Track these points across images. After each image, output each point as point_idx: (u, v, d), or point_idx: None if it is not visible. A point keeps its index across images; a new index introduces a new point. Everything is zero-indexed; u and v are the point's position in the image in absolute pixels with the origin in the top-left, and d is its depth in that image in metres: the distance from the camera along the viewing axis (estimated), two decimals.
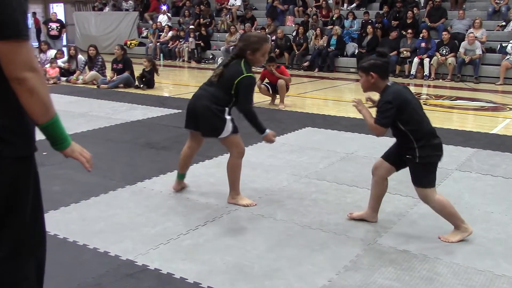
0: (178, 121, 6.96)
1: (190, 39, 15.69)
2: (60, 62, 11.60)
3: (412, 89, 11.01)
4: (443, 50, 12.01)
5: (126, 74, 10.28)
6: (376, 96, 3.38)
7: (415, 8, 13.59)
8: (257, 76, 8.59)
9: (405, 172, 4.79)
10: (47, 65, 11.34)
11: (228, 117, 3.72)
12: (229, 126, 3.71)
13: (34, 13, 24.12)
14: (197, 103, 3.74)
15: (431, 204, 3.33)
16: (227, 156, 5.24)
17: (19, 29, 1.61)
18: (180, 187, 4.20)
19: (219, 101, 3.67)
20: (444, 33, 12.16)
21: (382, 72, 3.24)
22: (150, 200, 4.03)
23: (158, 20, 17.41)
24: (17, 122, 1.71)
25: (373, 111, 3.32)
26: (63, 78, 11.13)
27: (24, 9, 1.64)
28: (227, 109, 3.73)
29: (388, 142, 5.96)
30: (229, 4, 17.04)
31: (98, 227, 3.49)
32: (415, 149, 3.22)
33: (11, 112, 1.69)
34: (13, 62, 1.61)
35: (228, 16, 16.55)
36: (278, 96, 8.37)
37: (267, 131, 3.79)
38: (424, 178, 3.29)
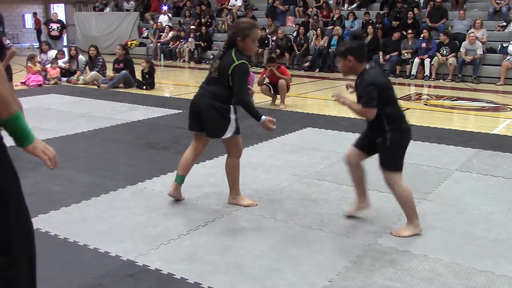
0: (179, 122, 6.97)
1: (190, 39, 15.69)
2: (60, 63, 11.61)
3: (413, 89, 11.04)
4: (443, 51, 12.00)
5: (124, 71, 10.27)
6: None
7: (415, 8, 13.58)
8: (257, 77, 8.64)
9: (405, 173, 4.79)
10: (48, 65, 11.36)
11: (232, 117, 3.66)
12: (233, 127, 3.67)
13: (35, 14, 24.13)
14: (200, 102, 3.65)
15: (396, 189, 3.36)
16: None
17: None
18: (177, 193, 3.93)
19: (222, 98, 3.60)
20: (441, 34, 12.16)
21: (359, 55, 3.27)
22: (151, 200, 4.03)
23: (159, 21, 17.41)
24: None
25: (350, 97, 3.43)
26: (64, 79, 11.15)
27: None
28: (232, 107, 3.66)
29: None
30: (229, 4, 17.05)
31: (99, 228, 3.49)
32: (387, 132, 3.27)
33: None
34: None
35: (228, 16, 16.55)
36: (278, 96, 8.38)
37: (263, 117, 3.61)
38: (393, 162, 3.34)
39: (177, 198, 3.96)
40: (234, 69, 3.52)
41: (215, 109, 3.60)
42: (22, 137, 1.83)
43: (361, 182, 3.61)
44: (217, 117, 3.63)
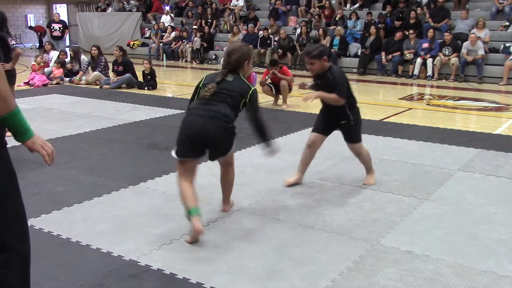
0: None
1: (196, 39, 15.66)
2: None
3: (415, 89, 11.02)
4: (445, 51, 11.99)
5: (127, 74, 10.30)
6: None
7: (418, 8, 13.55)
8: (259, 76, 8.63)
9: (408, 173, 4.79)
10: (51, 65, 11.41)
11: (235, 132, 3.53)
12: (234, 141, 3.55)
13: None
14: (210, 126, 3.31)
15: (363, 154, 4.38)
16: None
17: None
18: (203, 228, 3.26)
19: (231, 119, 3.41)
20: (446, 34, 12.15)
21: (327, 55, 4.09)
22: (153, 200, 4.03)
23: (161, 21, 17.42)
24: None
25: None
26: (66, 79, 11.17)
27: None
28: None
29: (390, 143, 5.97)
30: (231, 4, 17.05)
31: (101, 228, 3.49)
32: (349, 115, 4.17)
33: None
34: None
35: (231, 16, 16.56)
36: (281, 96, 8.37)
37: (275, 145, 3.59)
38: (358, 136, 4.31)
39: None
40: (253, 95, 3.44)
41: (227, 131, 3.41)
42: (21, 132, 1.86)
43: (308, 163, 4.42)
44: (229, 138, 3.47)
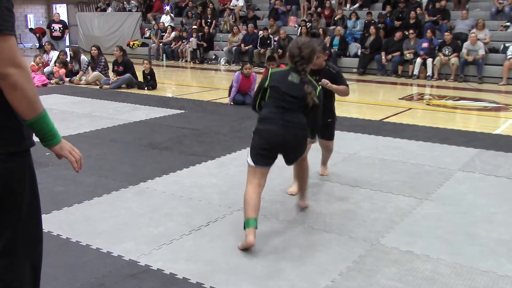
0: (181, 122, 6.97)
1: (192, 39, 15.68)
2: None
3: (415, 89, 11.03)
4: (445, 51, 11.99)
5: (127, 74, 10.31)
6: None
7: (418, 8, 13.56)
8: (259, 76, 8.63)
9: (407, 173, 4.79)
10: (52, 64, 11.42)
11: None
12: None
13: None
14: (290, 137, 3.32)
15: (332, 149, 4.53)
16: (229, 156, 5.27)
17: (1, 23, 1.59)
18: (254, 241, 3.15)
19: (305, 126, 3.38)
20: (446, 33, 12.15)
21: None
22: (153, 200, 4.03)
23: (161, 21, 17.42)
24: (7, 117, 1.71)
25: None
26: (66, 79, 11.17)
27: (5, 4, 1.62)
28: None
29: (390, 143, 5.96)
30: (231, 4, 17.05)
31: (101, 228, 3.49)
32: (334, 113, 4.31)
33: (1, 108, 1.69)
34: None
35: (230, 16, 16.56)
36: None
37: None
38: (334, 132, 4.42)
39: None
40: (320, 94, 3.41)
41: (303, 138, 3.43)
42: (48, 137, 1.78)
43: None
44: (304, 146, 3.50)
